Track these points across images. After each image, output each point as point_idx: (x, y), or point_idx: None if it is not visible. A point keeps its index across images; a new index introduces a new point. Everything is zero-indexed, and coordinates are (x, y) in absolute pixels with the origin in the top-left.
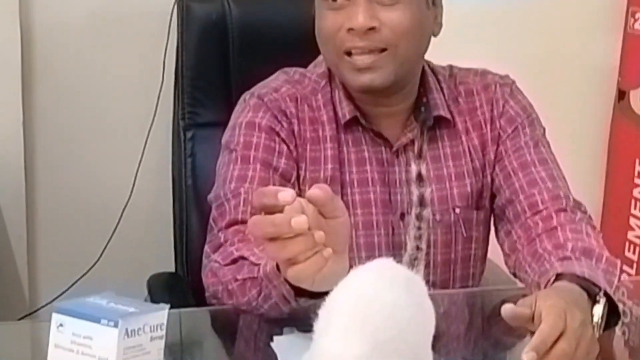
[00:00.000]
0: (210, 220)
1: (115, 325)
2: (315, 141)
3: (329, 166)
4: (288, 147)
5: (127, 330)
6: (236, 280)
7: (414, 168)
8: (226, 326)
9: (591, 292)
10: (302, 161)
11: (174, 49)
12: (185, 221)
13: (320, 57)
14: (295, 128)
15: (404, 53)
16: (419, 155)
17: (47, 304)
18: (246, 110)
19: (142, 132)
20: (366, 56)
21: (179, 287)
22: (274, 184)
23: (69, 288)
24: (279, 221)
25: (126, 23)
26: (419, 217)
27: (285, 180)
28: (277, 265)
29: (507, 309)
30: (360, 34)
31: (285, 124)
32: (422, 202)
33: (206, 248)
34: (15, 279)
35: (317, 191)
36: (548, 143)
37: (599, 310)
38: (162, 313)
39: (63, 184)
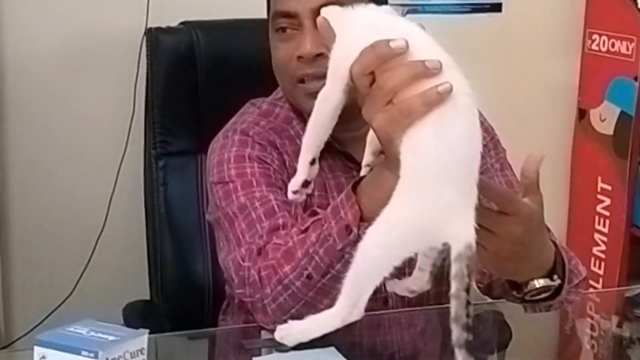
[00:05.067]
0: (230, 235)
1: (96, 357)
2: None
3: (316, 193)
4: (281, 176)
5: (107, 359)
6: (300, 232)
7: None
8: (204, 350)
9: (557, 267)
10: None
11: (144, 80)
12: (159, 249)
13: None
14: (285, 158)
15: None
16: None
17: (23, 336)
18: (229, 145)
19: (115, 163)
20: (317, 82)
21: (154, 314)
22: (288, 201)
23: (44, 319)
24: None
25: (97, 55)
26: None
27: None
28: (354, 187)
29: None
30: (309, 61)
31: (275, 155)
32: None
33: (234, 257)
34: None
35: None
36: (511, 165)
37: (545, 283)
38: (141, 338)
39: (37, 216)
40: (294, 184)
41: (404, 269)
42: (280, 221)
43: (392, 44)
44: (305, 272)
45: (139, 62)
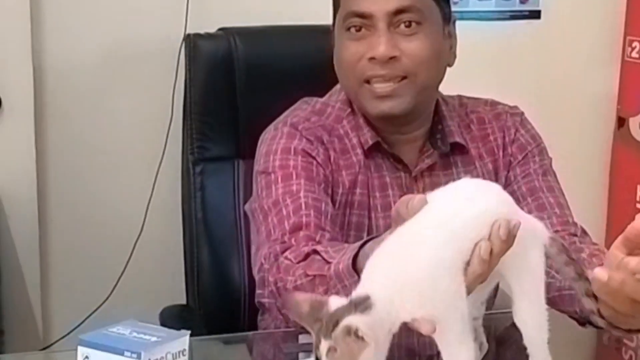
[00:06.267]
0: (262, 229)
1: (138, 357)
2: (349, 167)
3: (358, 190)
4: (324, 171)
5: None
6: (307, 275)
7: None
8: (241, 354)
9: None
10: (338, 186)
11: (182, 86)
12: (195, 254)
13: (336, 87)
14: (331, 154)
15: (422, 81)
16: (436, 181)
17: (61, 338)
18: (278, 137)
19: (153, 167)
20: (386, 84)
21: (191, 318)
22: (320, 197)
23: (82, 322)
24: None
25: (136, 61)
26: None
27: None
28: (353, 264)
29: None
30: (381, 63)
31: (321, 149)
32: None
33: (261, 254)
34: (29, 313)
35: None
36: (555, 173)
37: None
38: (183, 339)
39: (76, 220)
40: None
41: None
42: (304, 219)
43: (503, 237)
44: None
45: (178, 68)
